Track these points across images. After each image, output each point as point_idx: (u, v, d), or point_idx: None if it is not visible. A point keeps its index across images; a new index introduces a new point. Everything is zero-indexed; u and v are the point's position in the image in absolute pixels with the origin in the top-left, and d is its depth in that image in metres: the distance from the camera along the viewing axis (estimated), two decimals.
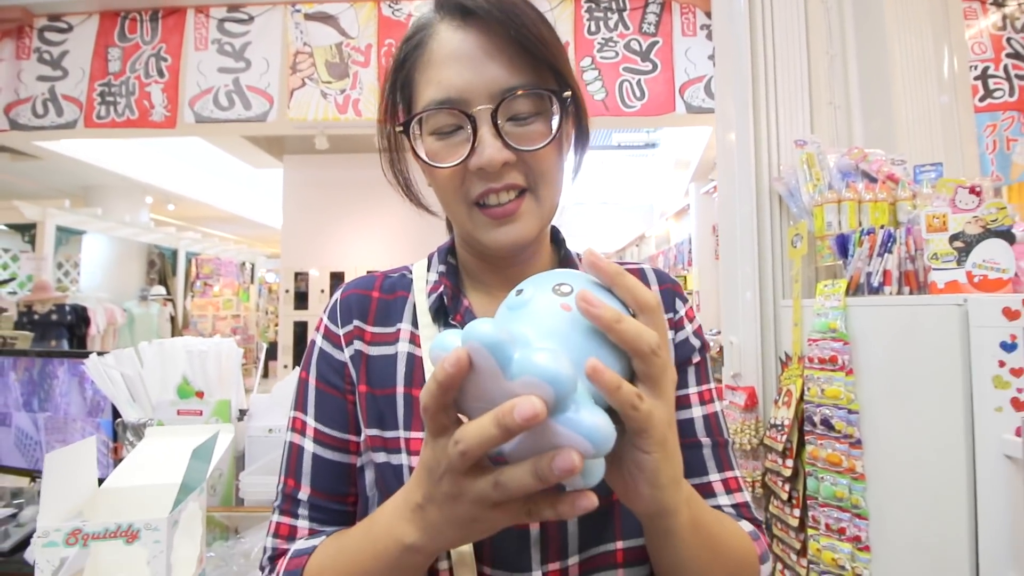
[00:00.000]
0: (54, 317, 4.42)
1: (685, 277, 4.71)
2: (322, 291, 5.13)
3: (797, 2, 1.66)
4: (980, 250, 1.08)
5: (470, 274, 0.57)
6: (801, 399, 1.28)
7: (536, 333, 0.30)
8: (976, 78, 1.95)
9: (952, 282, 1.09)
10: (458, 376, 0.29)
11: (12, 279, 5.41)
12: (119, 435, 1.18)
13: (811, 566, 1.22)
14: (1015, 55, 1.97)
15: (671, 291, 0.57)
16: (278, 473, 0.54)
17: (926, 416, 1.06)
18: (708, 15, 2.18)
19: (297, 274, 5.18)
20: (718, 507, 0.51)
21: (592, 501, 0.31)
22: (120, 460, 1.12)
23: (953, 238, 1.11)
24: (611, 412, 0.30)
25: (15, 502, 1.33)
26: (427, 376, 0.50)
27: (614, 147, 5.88)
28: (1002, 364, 0.95)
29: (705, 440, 0.53)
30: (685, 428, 0.53)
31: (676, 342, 0.55)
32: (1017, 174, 1.96)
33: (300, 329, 5.11)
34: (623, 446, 0.33)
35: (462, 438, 0.30)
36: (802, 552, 1.26)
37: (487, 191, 0.47)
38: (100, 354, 1.22)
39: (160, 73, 2.40)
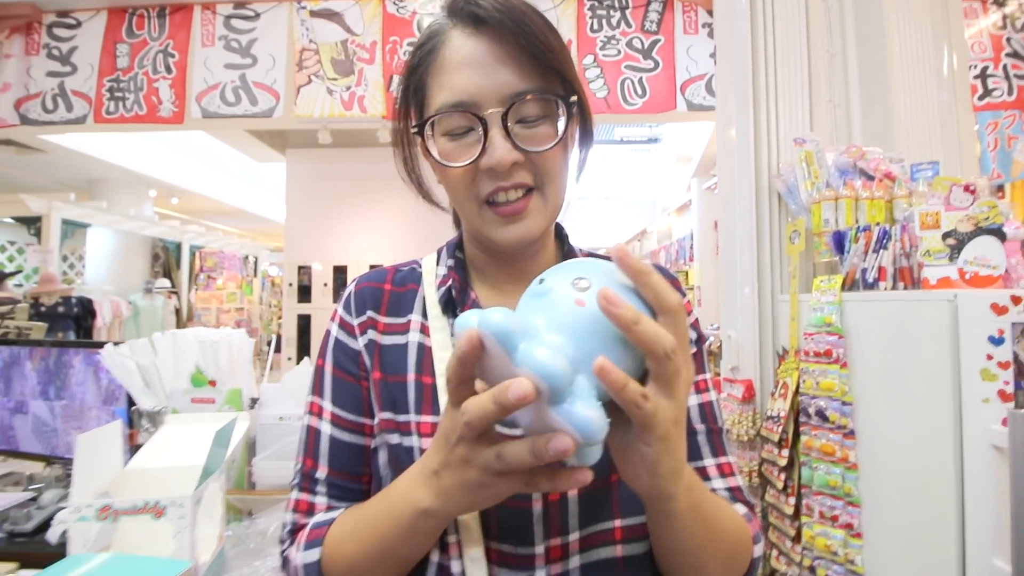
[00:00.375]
0: (61, 309, 4.46)
1: (686, 272, 4.73)
2: (325, 285, 5.16)
3: (798, 0, 1.68)
4: (972, 247, 1.11)
5: (477, 268, 0.60)
6: (797, 391, 1.32)
7: (548, 325, 0.33)
8: (975, 77, 1.97)
9: (944, 278, 1.12)
10: (472, 354, 0.33)
11: (18, 271, 5.45)
12: (135, 422, 1.22)
13: (805, 552, 1.26)
14: (1014, 55, 1.99)
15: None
16: (296, 454, 0.57)
17: (917, 407, 1.09)
18: (710, 13, 2.20)
19: (300, 268, 5.21)
20: (713, 490, 0.54)
21: (587, 476, 0.34)
22: (136, 447, 1.17)
23: (946, 235, 1.14)
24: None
25: (33, 487, 1.37)
26: (437, 363, 0.53)
27: (616, 142, 5.89)
28: (990, 357, 0.98)
29: (700, 427, 0.56)
30: None
31: None
32: (1019, 171, 1.98)
33: (304, 322, 5.14)
34: (629, 435, 0.36)
35: (467, 410, 0.34)
36: (796, 539, 1.29)
37: (496, 189, 0.50)
38: (115, 344, 1.26)
39: (168, 69, 2.43)
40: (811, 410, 1.26)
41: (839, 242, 1.32)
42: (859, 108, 1.71)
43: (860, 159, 1.44)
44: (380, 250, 5.01)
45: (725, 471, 0.56)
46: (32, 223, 5.72)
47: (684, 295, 0.60)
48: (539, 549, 0.49)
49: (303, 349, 5.00)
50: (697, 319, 0.59)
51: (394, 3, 2.40)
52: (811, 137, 1.50)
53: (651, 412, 0.33)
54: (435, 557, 0.51)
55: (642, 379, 0.35)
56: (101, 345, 1.25)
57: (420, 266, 0.61)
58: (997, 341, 0.98)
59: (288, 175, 5.32)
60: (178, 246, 6.77)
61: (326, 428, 0.55)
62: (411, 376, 0.54)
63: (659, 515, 0.43)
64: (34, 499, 1.25)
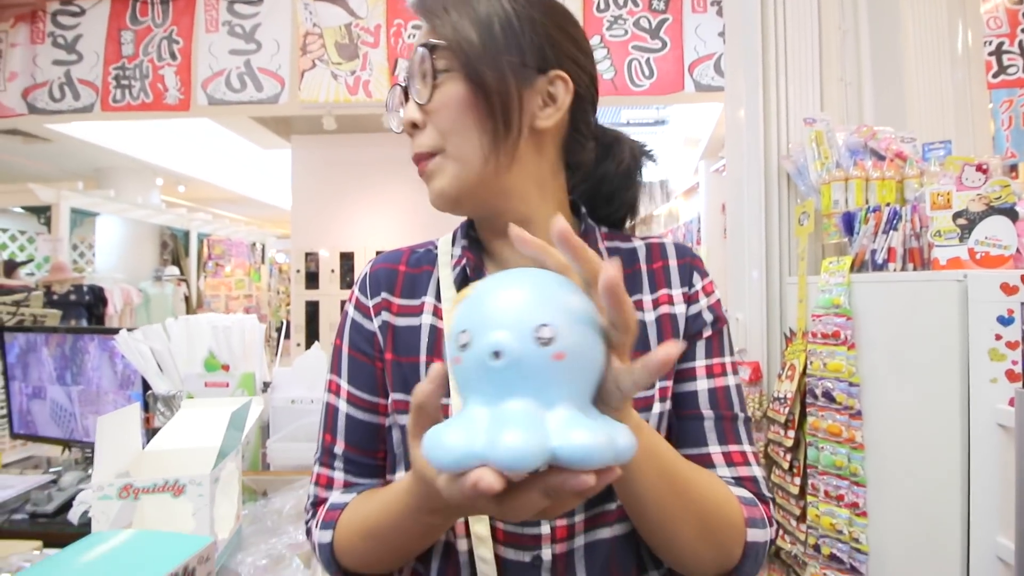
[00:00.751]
0: (72, 297, 4.52)
1: None
2: (332, 271, 5.18)
3: None
4: (983, 227, 1.10)
5: (487, 248, 0.60)
6: (804, 373, 1.32)
7: (517, 393, 0.28)
8: (990, 54, 1.93)
9: (954, 259, 1.12)
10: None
11: (30, 260, 5.51)
12: (150, 406, 1.24)
13: (810, 531, 1.27)
14: None
15: (689, 265, 0.57)
16: (318, 429, 0.59)
17: (924, 388, 1.09)
18: None
19: (307, 254, 5.22)
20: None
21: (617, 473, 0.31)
22: (152, 430, 1.19)
23: (956, 215, 1.13)
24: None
25: (53, 470, 1.41)
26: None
27: (623, 124, 5.83)
28: (998, 337, 0.97)
29: (707, 413, 0.53)
30: (687, 400, 0.53)
31: (688, 316, 0.55)
32: None
33: (312, 308, 5.18)
34: None
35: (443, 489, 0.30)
36: (801, 518, 1.31)
37: (415, 156, 0.53)
38: (129, 330, 1.28)
39: (172, 56, 2.42)
40: (818, 391, 1.27)
41: (848, 223, 1.31)
42: (871, 87, 1.68)
43: (871, 139, 1.42)
44: (387, 236, 5.02)
45: (734, 459, 0.52)
46: (41, 212, 5.76)
47: (707, 274, 0.58)
48: (545, 529, 0.50)
49: (312, 335, 5.04)
50: (719, 300, 0.57)
51: None
52: (821, 117, 1.48)
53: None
54: (441, 536, 0.52)
55: None
56: (115, 331, 1.28)
57: (436, 247, 0.61)
58: (1006, 321, 0.97)
59: (293, 162, 5.31)
60: (186, 234, 6.81)
61: (343, 406, 0.57)
62: (423, 358, 0.55)
63: None
64: (54, 481, 1.29)
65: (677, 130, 5.54)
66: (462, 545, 0.51)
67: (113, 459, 0.69)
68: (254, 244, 7.72)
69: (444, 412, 0.55)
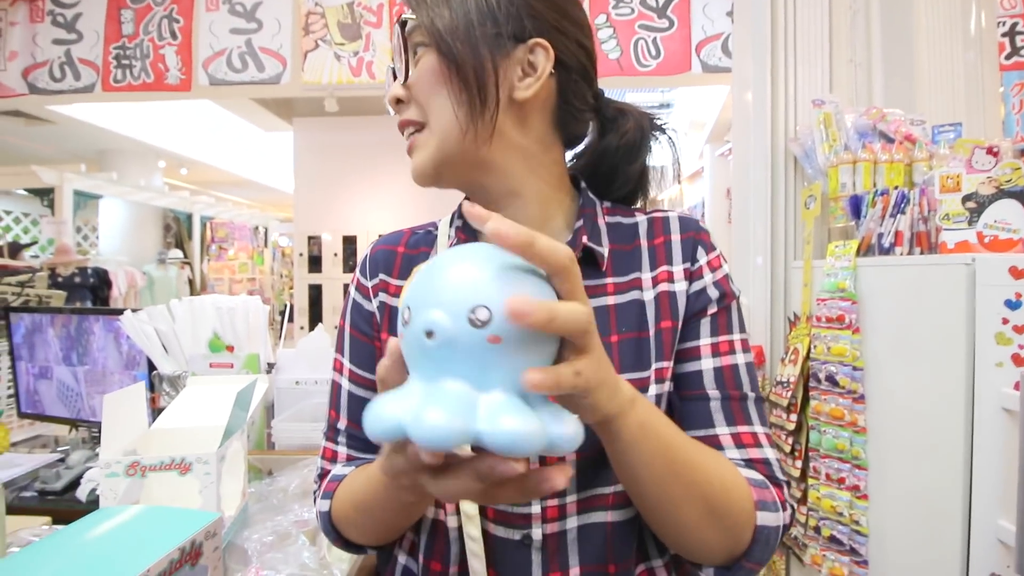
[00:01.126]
0: (77, 280, 4.53)
1: None
2: (335, 255, 5.18)
3: None
4: (992, 211, 1.08)
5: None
6: (807, 357, 1.32)
7: (460, 379, 0.28)
8: (1003, 35, 1.89)
9: (962, 242, 1.11)
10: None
11: (34, 243, 5.52)
12: (156, 386, 1.25)
13: (811, 513, 1.28)
14: None
15: (692, 239, 0.55)
16: (328, 407, 0.61)
17: (929, 372, 1.09)
18: None
19: (310, 238, 5.22)
20: None
21: (567, 475, 0.31)
22: (158, 410, 1.20)
23: (966, 199, 1.11)
24: None
25: (60, 449, 1.43)
26: None
27: None
28: (1005, 321, 0.97)
29: (713, 393, 0.50)
30: (691, 380, 0.51)
31: (690, 293, 0.53)
32: None
33: (315, 292, 5.19)
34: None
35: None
36: (802, 500, 1.32)
37: (400, 128, 0.53)
38: (134, 311, 1.28)
39: (173, 35, 2.39)
40: (821, 375, 1.27)
41: (856, 206, 1.30)
42: (881, 68, 1.65)
43: (880, 121, 1.40)
44: (389, 219, 5.00)
45: (744, 441, 0.49)
46: (45, 194, 5.75)
47: (715, 248, 0.56)
48: (535, 508, 0.49)
49: (315, 318, 5.06)
50: (727, 275, 0.54)
51: None
52: (830, 99, 1.46)
53: (584, 368, 0.30)
54: (430, 513, 0.53)
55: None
56: (120, 312, 1.28)
57: (437, 228, 0.61)
58: (1014, 305, 0.97)
59: (295, 144, 5.28)
60: (189, 217, 6.81)
61: (345, 384, 0.58)
62: None
63: (610, 442, 0.39)
64: (62, 460, 1.31)
65: (682, 114, 5.47)
66: (451, 522, 0.52)
67: (120, 437, 0.70)
68: (257, 227, 7.72)
69: None
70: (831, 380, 1.24)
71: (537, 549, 0.50)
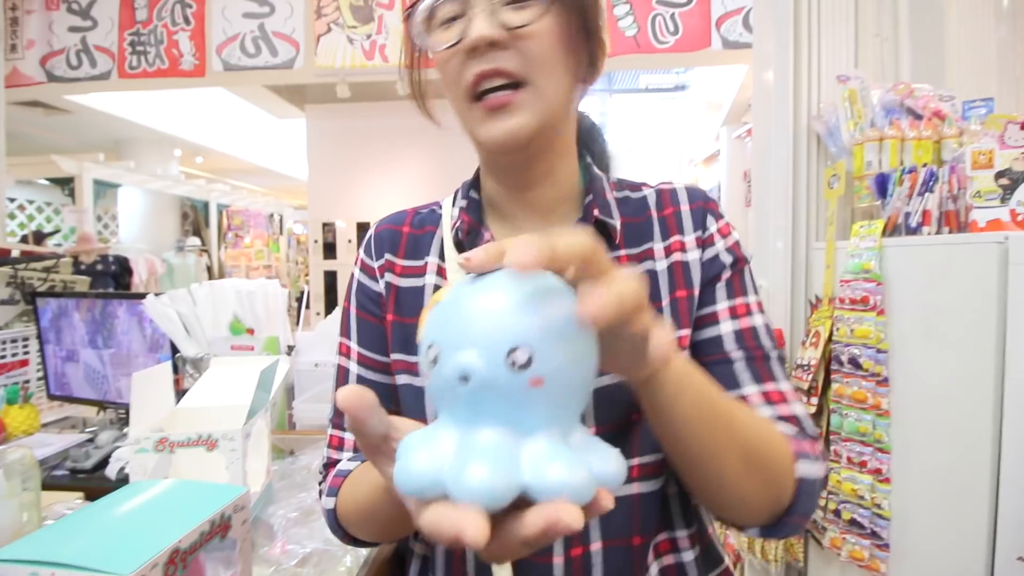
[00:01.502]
0: (99, 267, 4.62)
1: None
2: (349, 241, 5.20)
3: None
4: None
5: (492, 204, 0.57)
6: (829, 340, 1.30)
7: (499, 425, 0.25)
8: None
9: (995, 220, 1.07)
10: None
11: (57, 231, 5.64)
12: (179, 368, 1.27)
13: (830, 496, 1.27)
14: None
15: (701, 208, 0.55)
16: (331, 392, 0.59)
17: (957, 353, 1.07)
18: None
19: (324, 225, 5.25)
20: None
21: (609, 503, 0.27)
22: (182, 391, 1.22)
23: (999, 175, 1.08)
24: None
25: (89, 429, 1.46)
26: None
27: (642, 90, 5.66)
28: None
29: (736, 354, 0.50)
30: (712, 345, 0.51)
31: (703, 261, 0.53)
32: None
33: (330, 279, 5.23)
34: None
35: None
36: (823, 484, 1.31)
37: (479, 76, 0.46)
38: (156, 295, 1.30)
39: (186, 20, 2.40)
40: (844, 358, 1.25)
41: (882, 185, 1.27)
42: (908, 42, 1.60)
43: (908, 97, 1.36)
44: (402, 206, 4.93)
45: (772, 398, 0.49)
46: (65, 184, 5.86)
47: (723, 216, 0.56)
48: None
49: (331, 304, 5.10)
50: (738, 241, 0.55)
51: None
52: (856, 74, 1.42)
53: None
54: None
55: None
56: (143, 296, 1.30)
57: (440, 208, 0.60)
58: None
59: (308, 131, 5.29)
60: (205, 205, 6.89)
61: (353, 367, 0.57)
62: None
63: (653, 400, 0.37)
64: (91, 440, 1.34)
65: (698, 95, 5.37)
66: None
67: (148, 414, 0.71)
68: (272, 215, 7.79)
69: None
70: (854, 363, 1.22)
71: None
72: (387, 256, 0.57)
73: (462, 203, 0.57)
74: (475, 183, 0.59)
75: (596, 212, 0.53)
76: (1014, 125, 1.10)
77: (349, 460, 0.54)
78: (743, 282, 0.53)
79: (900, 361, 1.16)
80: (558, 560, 0.49)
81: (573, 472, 0.24)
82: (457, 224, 0.55)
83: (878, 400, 1.18)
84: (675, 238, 0.54)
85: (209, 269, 6.57)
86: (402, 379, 0.54)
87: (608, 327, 0.25)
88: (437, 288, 0.55)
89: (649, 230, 0.55)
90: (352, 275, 0.60)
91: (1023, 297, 0.96)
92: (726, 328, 0.51)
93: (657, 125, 6.66)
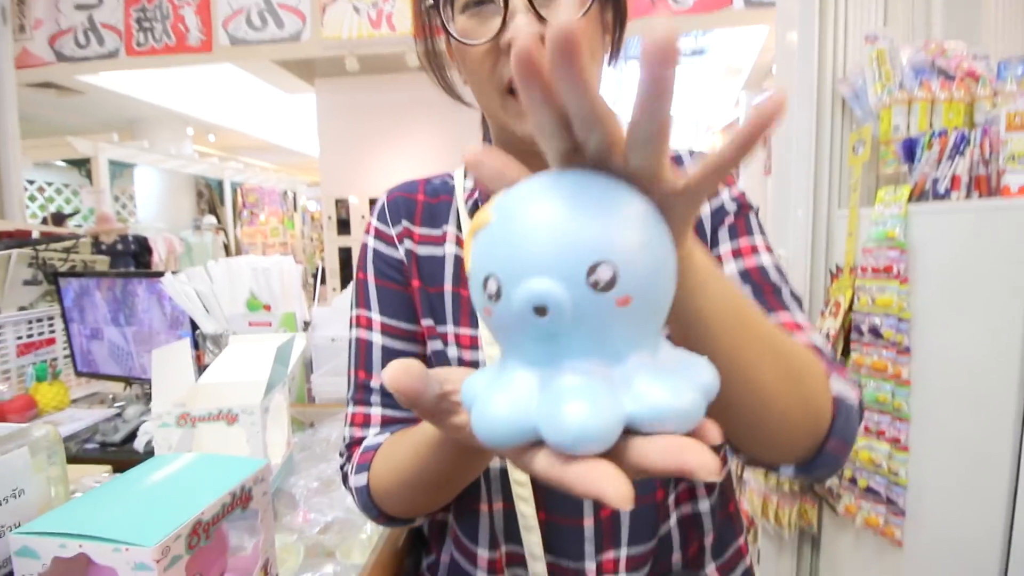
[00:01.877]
0: (120, 247, 4.69)
1: None
2: (363, 217, 5.21)
3: None
4: None
5: None
6: (849, 309, 1.27)
7: (588, 357, 0.22)
8: None
9: None
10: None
11: (76, 212, 5.73)
12: (200, 344, 1.30)
13: (847, 464, 1.27)
14: None
15: None
16: (348, 369, 0.56)
17: (983, 323, 1.04)
18: None
19: (338, 201, 5.26)
20: None
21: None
22: (203, 367, 1.25)
23: None
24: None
25: (117, 404, 1.51)
26: None
27: None
28: None
29: (744, 290, 0.48)
30: None
31: (711, 212, 0.53)
32: None
33: (345, 255, 5.26)
34: None
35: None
36: None
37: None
38: (174, 273, 1.32)
39: None
40: (864, 327, 1.22)
41: (909, 150, 1.22)
42: None
43: (939, 56, 1.29)
44: None
45: (788, 329, 0.45)
46: (82, 165, 5.92)
47: (734, 179, 0.54)
48: None
49: (346, 280, 5.15)
50: (743, 192, 0.54)
51: None
52: (884, 33, 1.35)
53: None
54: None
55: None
56: (161, 274, 1.32)
57: (452, 179, 0.59)
58: None
59: (319, 106, 5.24)
60: (220, 183, 6.92)
61: (377, 339, 0.54)
62: (448, 287, 0.54)
63: (681, 284, 0.31)
64: (119, 414, 1.38)
65: (717, 60, 5.20)
66: (495, 463, 0.51)
67: (169, 390, 0.73)
68: (286, 192, 7.80)
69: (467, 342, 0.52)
70: (875, 332, 1.20)
71: None
72: (404, 223, 0.56)
73: None
74: None
75: None
76: None
77: (376, 435, 0.52)
78: (748, 224, 0.52)
79: (922, 330, 1.14)
80: (588, 523, 0.50)
81: (678, 395, 0.21)
82: (475, 195, 0.54)
83: (899, 369, 1.16)
84: None
85: (226, 247, 6.65)
86: (435, 345, 0.53)
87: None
88: (457, 258, 0.53)
89: None
90: (364, 245, 0.58)
91: None
92: (729, 269, 0.50)
93: (674, 91, 6.46)
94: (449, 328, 0.53)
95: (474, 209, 0.54)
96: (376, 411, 0.53)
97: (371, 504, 0.49)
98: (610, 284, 0.20)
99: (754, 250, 0.50)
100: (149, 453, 1.13)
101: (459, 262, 0.54)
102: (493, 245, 0.22)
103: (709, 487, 0.54)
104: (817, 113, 1.45)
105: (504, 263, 0.21)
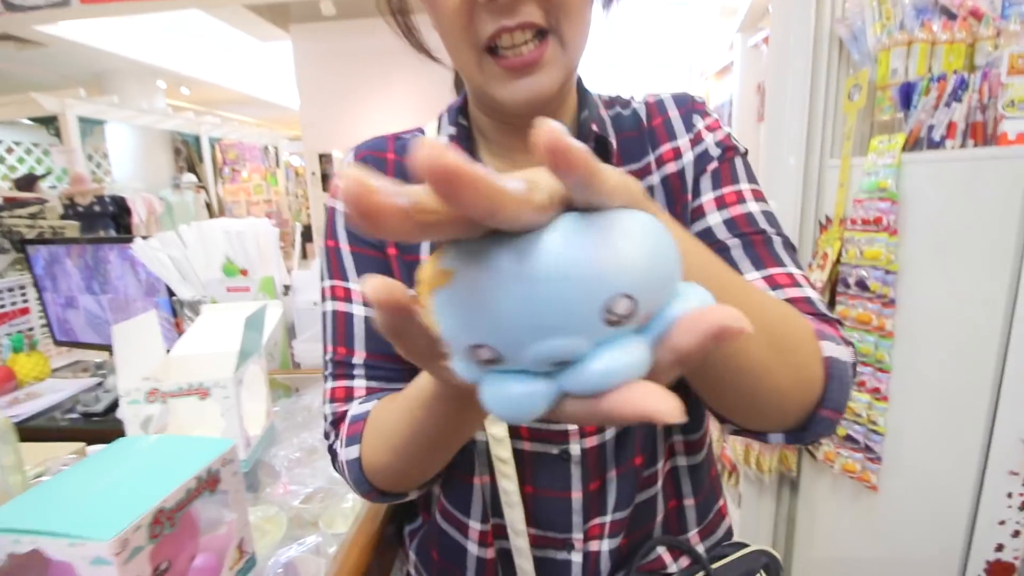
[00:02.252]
0: (96, 208, 4.55)
1: None
2: None
3: None
4: None
5: (485, 135, 0.52)
6: (837, 261, 1.26)
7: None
8: None
9: None
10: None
11: (48, 173, 5.53)
12: (177, 312, 1.27)
13: None
14: None
15: (689, 110, 0.52)
16: (324, 344, 0.52)
17: (970, 274, 1.03)
18: None
19: (321, 156, 5.11)
20: None
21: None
22: (183, 334, 1.22)
23: None
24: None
25: (99, 372, 1.49)
26: None
27: None
28: None
29: (732, 241, 0.45)
30: (704, 238, 0.47)
31: (695, 159, 0.51)
32: None
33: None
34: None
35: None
36: None
37: (500, 30, 0.40)
38: (144, 238, 1.27)
39: None
40: (851, 279, 1.21)
41: (906, 95, 1.17)
42: None
43: None
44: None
45: (779, 282, 0.43)
46: (50, 123, 5.66)
47: (711, 113, 0.53)
48: (572, 424, 0.49)
49: None
50: (729, 134, 0.51)
51: None
52: None
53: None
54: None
55: None
56: (131, 239, 1.27)
57: (424, 133, 0.55)
58: None
59: (295, 54, 4.99)
60: (197, 139, 6.67)
61: (359, 311, 0.50)
62: (425, 256, 0.51)
63: None
64: (100, 384, 1.36)
65: (711, 0, 4.96)
66: (480, 435, 0.51)
67: (136, 365, 0.70)
68: (267, 147, 7.55)
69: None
70: (861, 284, 1.19)
71: (576, 463, 0.49)
72: None
73: (451, 130, 0.51)
74: (463, 108, 0.53)
75: (595, 127, 0.49)
76: None
77: (361, 404, 0.48)
78: (733, 170, 0.49)
79: (908, 282, 1.13)
80: (576, 495, 0.50)
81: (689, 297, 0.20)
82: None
83: (883, 321, 1.16)
84: (667, 146, 0.52)
85: (208, 206, 6.49)
86: None
87: None
88: None
89: (644, 144, 0.52)
90: (332, 209, 0.53)
91: None
92: (714, 219, 0.47)
93: (666, 35, 6.22)
94: None
95: None
96: (360, 383, 0.49)
97: (363, 479, 0.46)
98: (630, 313, 0.18)
99: (740, 197, 0.47)
100: None
101: None
102: (471, 311, 0.18)
103: (688, 447, 0.54)
104: (813, 56, 1.39)
105: (497, 332, 0.18)
